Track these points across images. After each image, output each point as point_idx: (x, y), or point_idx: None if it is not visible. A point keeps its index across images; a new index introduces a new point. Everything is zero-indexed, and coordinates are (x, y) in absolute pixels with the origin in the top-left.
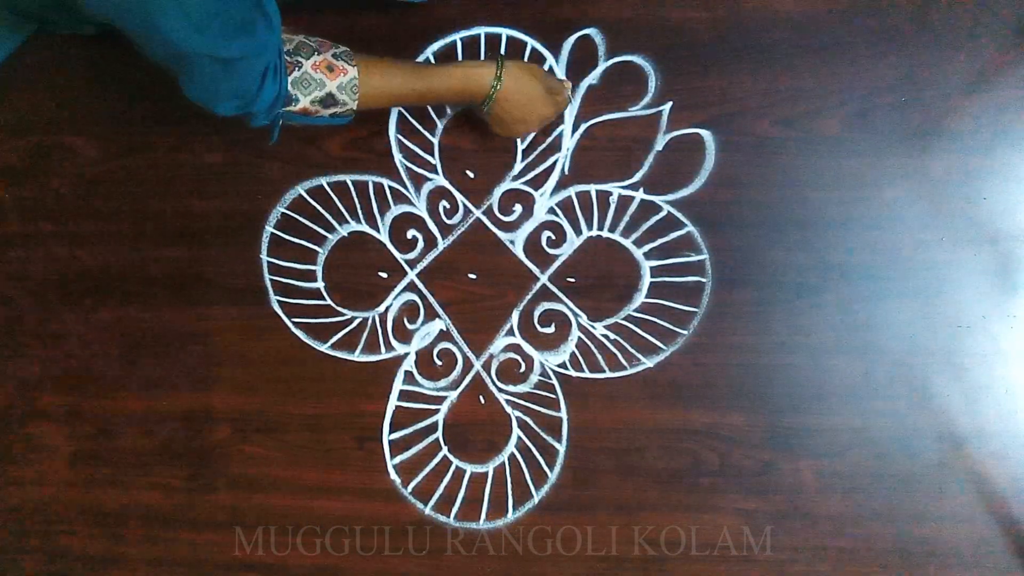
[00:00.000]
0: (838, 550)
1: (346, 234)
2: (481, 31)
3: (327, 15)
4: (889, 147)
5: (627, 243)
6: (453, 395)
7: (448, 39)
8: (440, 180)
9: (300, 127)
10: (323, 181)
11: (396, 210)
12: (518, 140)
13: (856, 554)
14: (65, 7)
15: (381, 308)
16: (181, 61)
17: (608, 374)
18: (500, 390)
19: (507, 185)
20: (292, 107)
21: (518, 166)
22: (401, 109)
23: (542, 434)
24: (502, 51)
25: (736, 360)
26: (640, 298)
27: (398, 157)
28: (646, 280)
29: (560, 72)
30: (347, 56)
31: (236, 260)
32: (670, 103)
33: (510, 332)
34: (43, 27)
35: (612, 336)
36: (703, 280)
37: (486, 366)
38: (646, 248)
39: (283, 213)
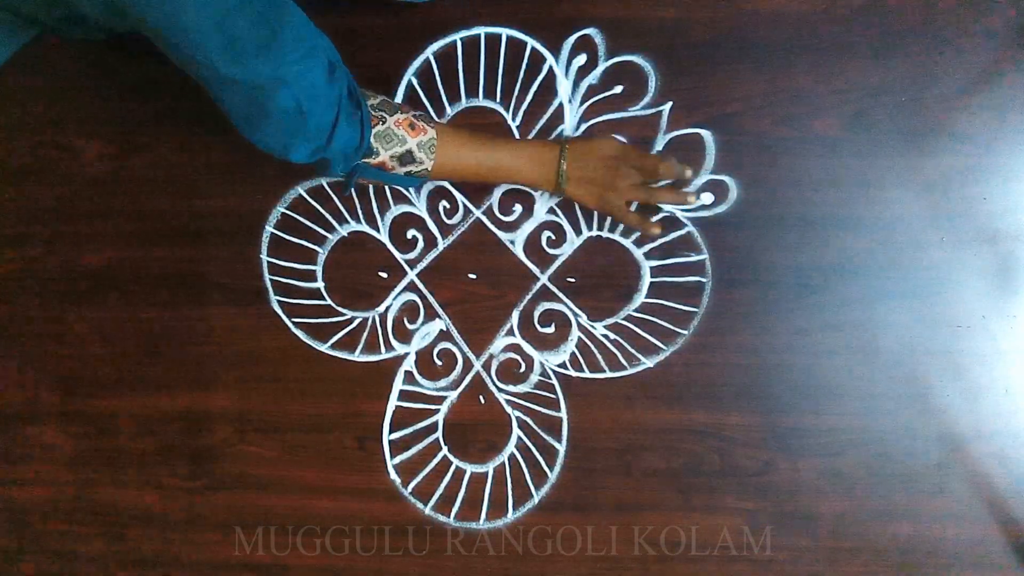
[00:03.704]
0: (838, 550)
1: (346, 234)
2: (481, 31)
3: (327, 15)
4: (889, 147)
5: (627, 243)
6: (453, 395)
7: (448, 39)
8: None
9: (370, 183)
10: (323, 181)
11: (396, 210)
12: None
13: (856, 554)
14: (78, 19)
15: (381, 308)
16: (247, 94)
17: (608, 374)
18: (500, 390)
19: (507, 185)
20: (370, 159)
21: None
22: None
23: (542, 434)
24: (502, 51)
25: (736, 360)
26: (640, 298)
27: None
28: (646, 280)
29: (560, 74)
30: (427, 119)
31: (236, 260)
32: (670, 103)
33: (510, 332)
34: (50, 32)
35: (612, 336)
36: (703, 280)
37: (486, 366)
38: (646, 248)
39: (283, 213)
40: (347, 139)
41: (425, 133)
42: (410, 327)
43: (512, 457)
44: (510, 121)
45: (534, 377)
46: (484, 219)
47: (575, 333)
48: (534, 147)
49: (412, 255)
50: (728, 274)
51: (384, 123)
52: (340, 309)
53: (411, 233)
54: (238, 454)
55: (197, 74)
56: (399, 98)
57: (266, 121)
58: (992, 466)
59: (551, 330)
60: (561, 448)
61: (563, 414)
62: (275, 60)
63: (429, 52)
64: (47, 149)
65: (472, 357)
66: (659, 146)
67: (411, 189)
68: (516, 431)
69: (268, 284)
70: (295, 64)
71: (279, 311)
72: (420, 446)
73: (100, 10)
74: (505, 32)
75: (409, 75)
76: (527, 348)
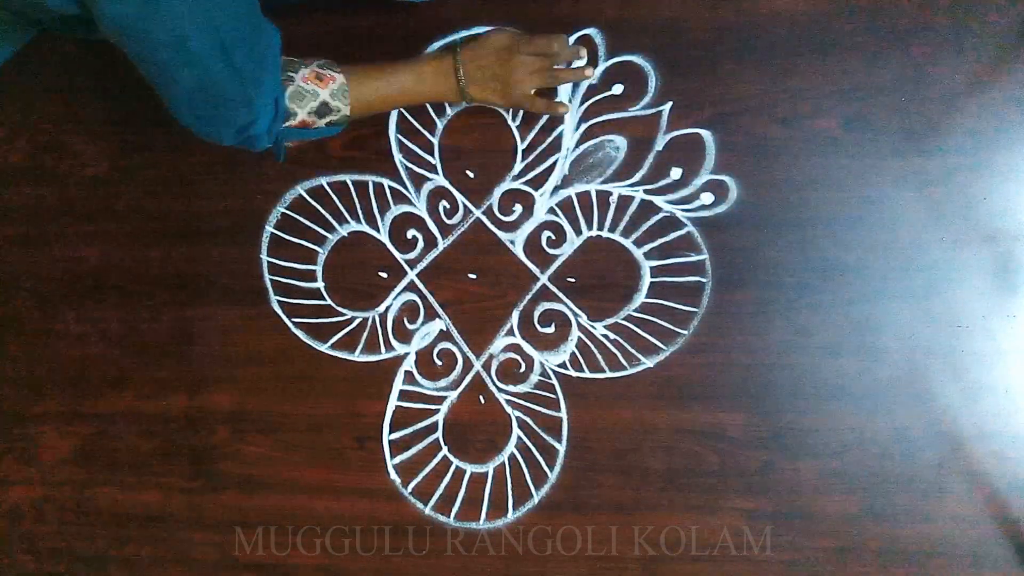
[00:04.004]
0: (838, 550)
1: (346, 234)
2: (481, 31)
3: (326, 15)
4: (889, 147)
5: (627, 243)
6: (453, 395)
7: (448, 39)
8: (440, 180)
9: (298, 144)
10: (323, 181)
11: (396, 210)
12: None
13: (856, 554)
14: (75, 22)
15: (381, 308)
16: (197, 87)
17: (608, 374)
18: (500, 390)
19: (507, 185)
20: (291, 121)
21: (518, 166)
22: (401, 108)
23: (542, 434)
24: None
25: (736, 360)
26: (640, 298)
27: (398, 157)
28: (646, 280)
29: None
30: (331, 65)
31: (236, 260)
32: (670, 103)
33: (510, 332)
34: (51, 31)
35: (612, 336)
36: (703, 280)
37: (486, 366)
38: (646, 248)
39: (283, 213)
40: (268, 114)
41: (334, 81)
42: (410, 327)
43: (512, 457)
44: (510, 121)
45: (534, 377)
46: (484, 219)
47: (575, 333)
48: (431, 61)
49: (412, 255)
50: (728, 274)
51: (292, 83)
52: (340, 309)
53: (411, 233)
54: (238, 454)
55: (157, 55)
56: None
57: (212, 108)
58: (992, 466)
59: (551, 330)
60: (561, 448)
61: (563, 414)
62: (256, 59)
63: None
64: (47, 149)
65: (472, 357)
66: (659, 146)
67: (410, 188)
68: (516, 431)
69: (268, 284)
70: (265, 63)
71: (279, 311)
72: (420, 446)
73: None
74: None
75: None
76: (527, 348)
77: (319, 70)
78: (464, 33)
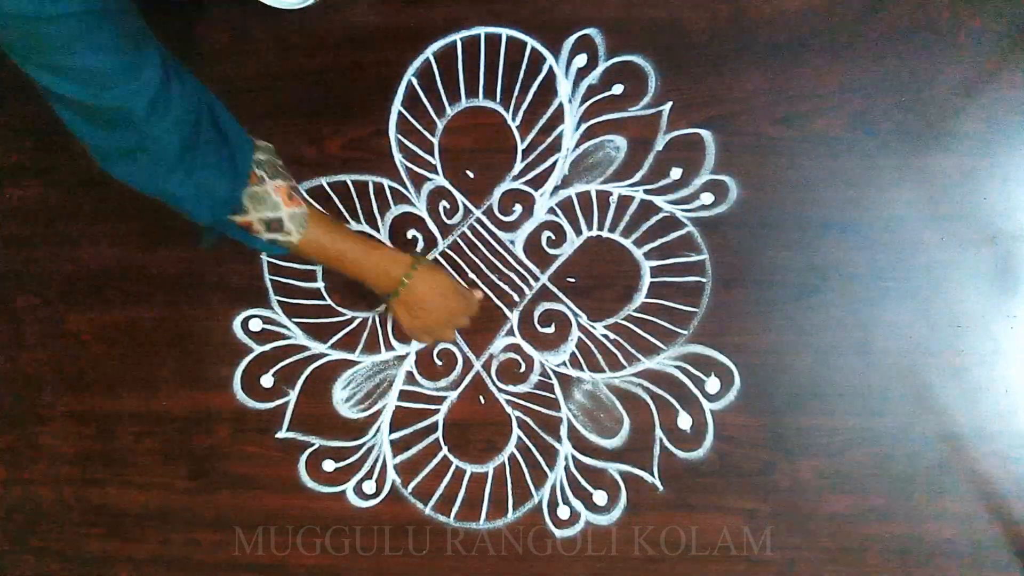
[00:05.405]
0: (838, 550)
1: None
2: (481, 31)
3: (327, 15)
4: (889, 147)
5: (627, 243)
6: (453, 395)
7: (448, 39)
8: (440, 180)
9: (227, 240)
10: (323, 181)
11: (396, 210)
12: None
13: (856, 554)
14: None
15: (381, 308)
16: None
17: (608, 374)
18: (500, 390)
19: (507, 185)
20: (236, 217)
21: (518, 166)
22: (401, 109)
23: (542, 434)
24: (502, 51)
25: (736, 360)
26: (640, 298)
27: (398, 157)
28: (646, 280)
29: (560, 74)
30: (300, 192)
31: (236, 260)
32: (670, 103)
33: (510, 332)
34: None
35: (612, 336)
36: (703, 280)
37: (486, 366)
38: (646, 248)
39: None
40: (211, 186)
41: (299, 206)
42: None
43: (512, 457)
44: (510, 121)
45: (534, 377)
46: (484, 219)
47: (575, 333)
48: (386, 257)
49: None
50: (728, 274)
51: (263, 184)
52: (340, 309)
53: (411, 233)
54: (238, 454)
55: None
56: (399, 98)
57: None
58: (992, 466)
59: (551, 330)
60: (561, 448)
61: (563, 414)
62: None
63: (429, 52)
64: (47, 149)
65: (472, 357)
66: (659, 146)
67: (410, 188)
68: (516, 431)
69: (268, 284)
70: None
71: (279, 311)
72: (420, 446)
73: None
74: (505, 32)
75: (409, 75)
76: (527, 348)
77: (292, 190)
78: (466, 33)
